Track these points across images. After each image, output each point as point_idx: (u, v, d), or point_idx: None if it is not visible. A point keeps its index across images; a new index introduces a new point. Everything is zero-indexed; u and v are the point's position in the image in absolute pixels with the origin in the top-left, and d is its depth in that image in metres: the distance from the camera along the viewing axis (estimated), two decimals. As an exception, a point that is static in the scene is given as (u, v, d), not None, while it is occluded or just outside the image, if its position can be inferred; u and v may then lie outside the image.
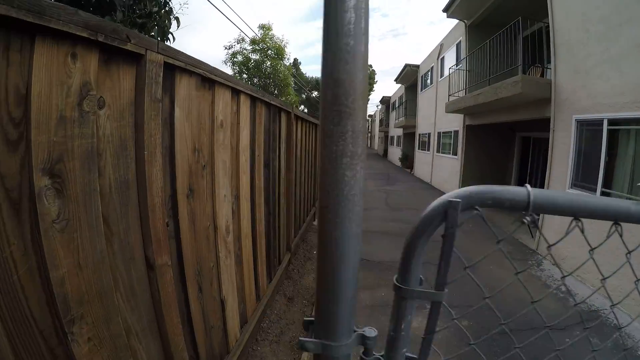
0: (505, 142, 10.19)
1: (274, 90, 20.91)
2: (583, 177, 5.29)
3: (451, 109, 9.71)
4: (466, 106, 8.38)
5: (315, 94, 43.81)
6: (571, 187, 5.48)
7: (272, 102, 3.04)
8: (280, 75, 20.42)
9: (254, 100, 2.58)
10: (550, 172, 6.03)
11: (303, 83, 41.36)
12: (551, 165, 6.02)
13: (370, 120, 64.84)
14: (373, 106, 68.26)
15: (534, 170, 8.86)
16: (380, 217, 8.06)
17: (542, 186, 8.09)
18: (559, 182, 5.79)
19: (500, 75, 7.73)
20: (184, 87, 1.53)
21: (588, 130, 5.24)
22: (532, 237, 6.86)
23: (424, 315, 0.83)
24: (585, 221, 0.76)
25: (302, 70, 44.88)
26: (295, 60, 44.28)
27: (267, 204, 3.14)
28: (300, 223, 5.42)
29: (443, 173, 12.71)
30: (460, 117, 10.62)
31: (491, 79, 7.69)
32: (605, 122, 4.83)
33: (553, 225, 5.85)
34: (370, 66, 54.47)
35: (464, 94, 9.56)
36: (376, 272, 4.89)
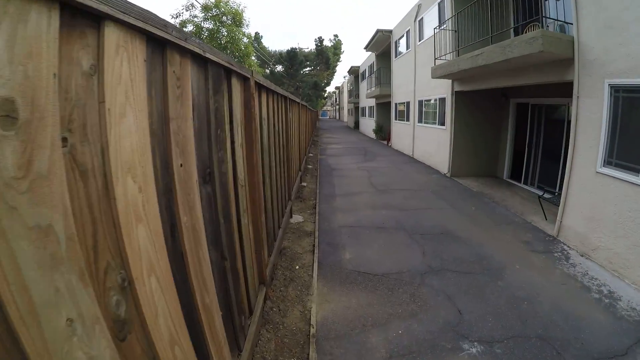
0: (497, 110, 9.13)
1: None
2: (621, 154, 4.25)
3: (439, 74, 8.44)
4: (460, 69, 7.12)
5: (279, 68, 41.27)
6: (604, 166, 4.45)
7: (209, 57, 1.59)
8: (240, 44, 18.17)
9: (161, 45, 1.14)
10: (575, 145, 4.95)
11: (266, 57, 38.81)
12: (575, 137, 4.94)
13: (337, 91, 62.69)
14: (340, 77, 66.02)
15: (533, 141, 7.87)
16: (368, 204, 6.83)
17: (549, 160, 7.15)
18: (586, 158, 4.75)
19: (496, 36, 6.53)
20: None
21: (627, 97, 4.18)
22: (546, 219, 5.92)
23: None
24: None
25: (264, 44, 42.13)
26: (257, 34, 41.70)
27: (216, 244, 1.76)
28: (275, 232, 4.07)
29: (428, 145, 11.62)
30: (447, 82, 9.41)
31: (493, 37, 6.44)
32: (654, 89, 3.78)
33: (581, 207, 4.84)
34: (336, 36, 51.68)
35: (452, 57, 8.30)
36: (383, 293, 3.67)
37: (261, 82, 2.91)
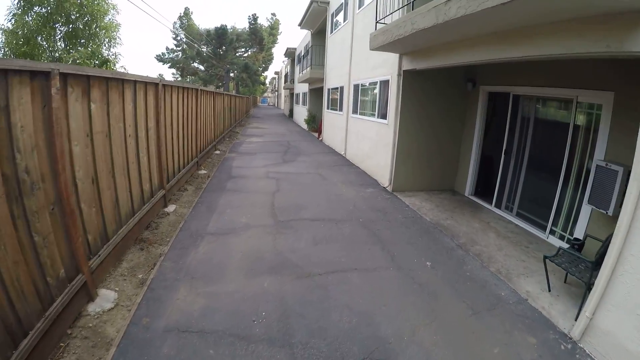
0: (460, 101, 6.60)
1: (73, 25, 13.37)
2: None
3: (381, 41, 5.59)
4: (415, 30, 4.30)
5: (207, 48, 36.48)
6: None
7: None
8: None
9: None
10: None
11: (189, 36, 33.91)
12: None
13: (277, 77, 58.24)
14: (280, 62, 61.65)
15: (513, 146, 5.40)
16: (248, 259, 3.76)
17: (539, 176, 4.37)
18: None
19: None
20: None
21: None
22: (549, 289, 3.42)
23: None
24: None
25: (193, 21, 36.93)
26: (186, 9, 36.39)
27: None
28: None
29: (364, 144, 8.90)
30: (393, 58, 6.66)
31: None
32: None
33: (638, 305, 2.29)
34: (274, 15, 47.18)
35: (402, 15, 5.51)
36: None
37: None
